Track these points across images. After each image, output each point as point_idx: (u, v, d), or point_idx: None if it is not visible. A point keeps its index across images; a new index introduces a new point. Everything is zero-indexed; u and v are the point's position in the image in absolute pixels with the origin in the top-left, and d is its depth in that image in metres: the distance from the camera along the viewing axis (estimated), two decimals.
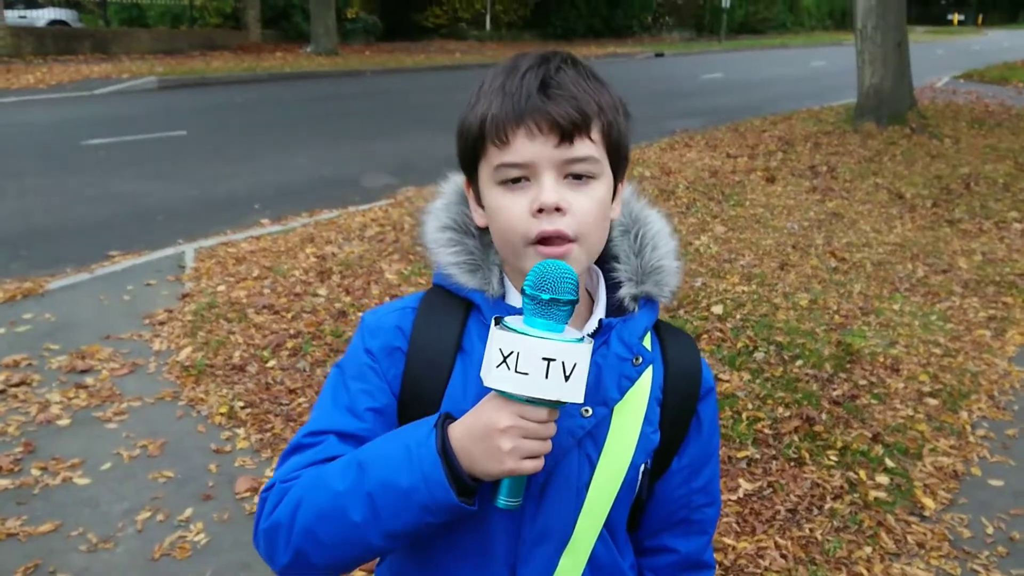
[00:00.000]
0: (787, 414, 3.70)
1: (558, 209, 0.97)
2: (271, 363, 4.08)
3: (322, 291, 4.98)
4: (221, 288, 5.03)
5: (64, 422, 3.54)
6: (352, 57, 20.01)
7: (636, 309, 1.09)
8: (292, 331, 4.41)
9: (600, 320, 1.07)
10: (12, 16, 17.68)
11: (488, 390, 0.92)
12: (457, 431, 0.94)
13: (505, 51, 23.42)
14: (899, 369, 4.23)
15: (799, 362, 4.21)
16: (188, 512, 2.98)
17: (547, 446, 0.93)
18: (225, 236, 6.15)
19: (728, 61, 24.89)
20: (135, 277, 5.24)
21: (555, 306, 0.90)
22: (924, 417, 3.77)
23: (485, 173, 1.01)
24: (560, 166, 0.97)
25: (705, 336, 4.47)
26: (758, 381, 3.98)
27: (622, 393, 1.05)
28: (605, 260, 1.11)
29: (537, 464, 0.93)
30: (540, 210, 0.96)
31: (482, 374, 0.91)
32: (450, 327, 1.06)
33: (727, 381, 3.98)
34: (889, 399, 3.92)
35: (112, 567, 2.71)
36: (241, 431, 3.52)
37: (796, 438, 3.51)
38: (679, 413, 1.12)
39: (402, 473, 0.92)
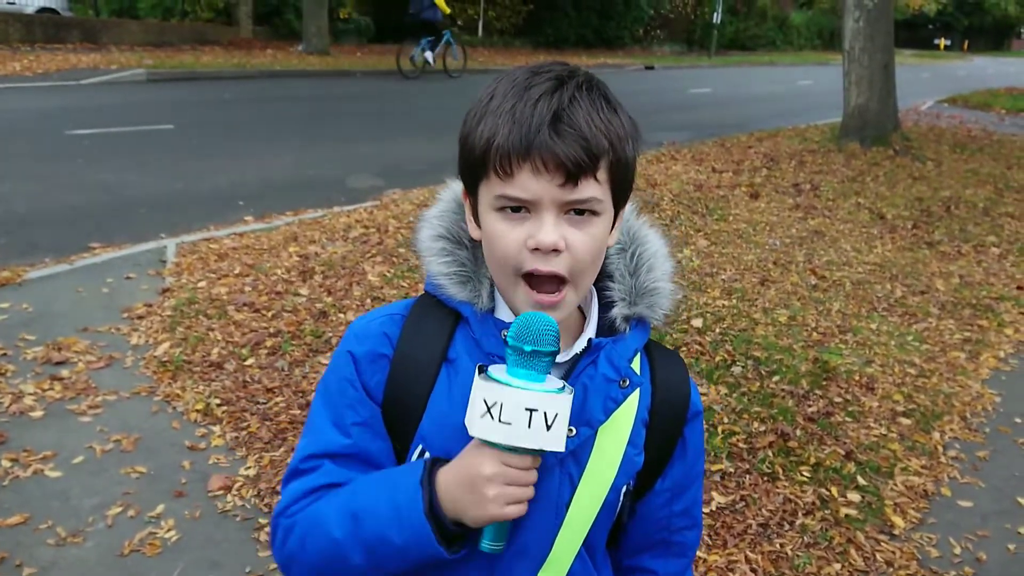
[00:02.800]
0: (762, 429, 3.73)
1: (555, 250, 0.96)
2: (249, 361, 4.06)
3: (304, 291, 4.96)
4: (202, 284, 5.00)
5: (37, 414, 3.51)
6: (343, 57, 19.97)
7: (627, 330, 1.09)
8: (272, 330, 4.40)
9: (589, 340, 1.07)
10: (0, 2, 17.51)
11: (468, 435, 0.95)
12: (446, 478, 0.96)
13: (496, 58, 23.47)
14: (874, 388, 4.28)
15: (776, 377, 4.24)
16: (159, 508, 2.96)
17: (530, 492, 0.95)
18: (208, 232, 6.12)
19: (717, 76, 25.07)
20: (115, 270, 5.20)
21: (537, 357, 0.93)
22: (897, 436, 3.81)
23: (485, 196, 1.00)
24: (562, 205, 0.96)
25: (684, 349, 4.49)
26: (735, 395, 4.01)
27: (607, 415, 1.05)
28: (600, 278, 1.10)
29: (520, 509, 0.95)
30: (536, 248, 0.96)
31: (467, 422, 0.94)
32: (437, 336, 1.06)
33: (704, 394, 4.00)
34: (863, 417, 3.96)
35: (80, 562, 2.69)
36: (216, 428, 3.50)
37: (770, 453, 3.54)
38: (665, 435, 1.12)
39: (394, 532, 0.96)
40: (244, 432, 3.48)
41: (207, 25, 20.88)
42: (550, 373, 0.96)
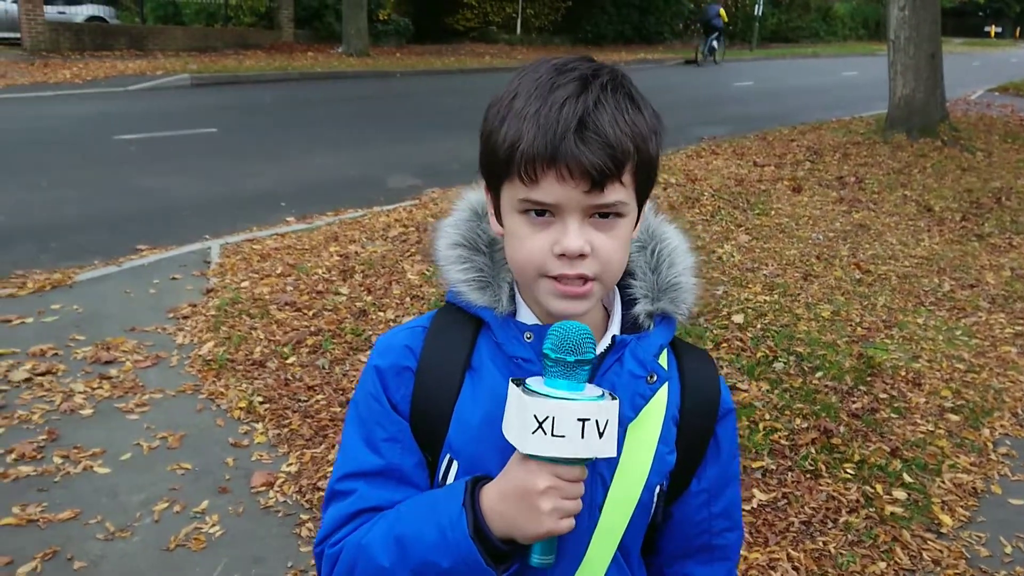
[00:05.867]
0: (804, 425, 3.67)
1: (581, 255, 0.96)
2: (291, 359, 4.12)
3: (344, 290, 5.02)
4: (245, 284, 5.09)
5: (87, 412, 3.60)
6: (383, 58, 20.14)
7: (651, 326, 1.08)
8: (313, 328, 4.45)
9: (613, 337, 1.06)
10: (51, 12, 17.98)
11: (507, 444, 0.94)
12: (491, 496, 0.95)
13: (535, 56, 23.42)
14: (921, 384, 4.18)
15: (819, 373, 4.17)
16: (204, 504, 3.02)
17: (580, 505, 0.94)
18: (251, 233, 6.23)
19: (759, 69, 24.72)
20: (161, 271, 5.32)
21: (579, 366, 0.92)
22: (945, 433, 3.72)
23: (508, 197, 0.99)
24: (587, 209, 0.96)
25: (725, 345, 4.44)
26: (776, 391, 3.96)
27: (636, 411, 1.04)
28: (621, 276, 1.09)
29: (571, 523, 0.94)
30: (562, 254, 0.96)
31: (512, 439, 0.92)
32: (459, 345, 1.06)
33: (745, 391, 3.95)
34: (909, 413, 3.88)
35: (127, 556, 2.75)
36: (259, 426, 3.56)
37: (813, 450, 3.48)
38: (696, 434, 1.11)
39: (441, 556, 0.95)
40: (286, 429, 3.53)
41: (249, 30, 21.22)
42: (591, 380, 0.96)
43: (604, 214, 0.97)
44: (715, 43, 24.99)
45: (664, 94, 17.47)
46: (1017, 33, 58.01)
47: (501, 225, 1.04)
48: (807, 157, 9.78)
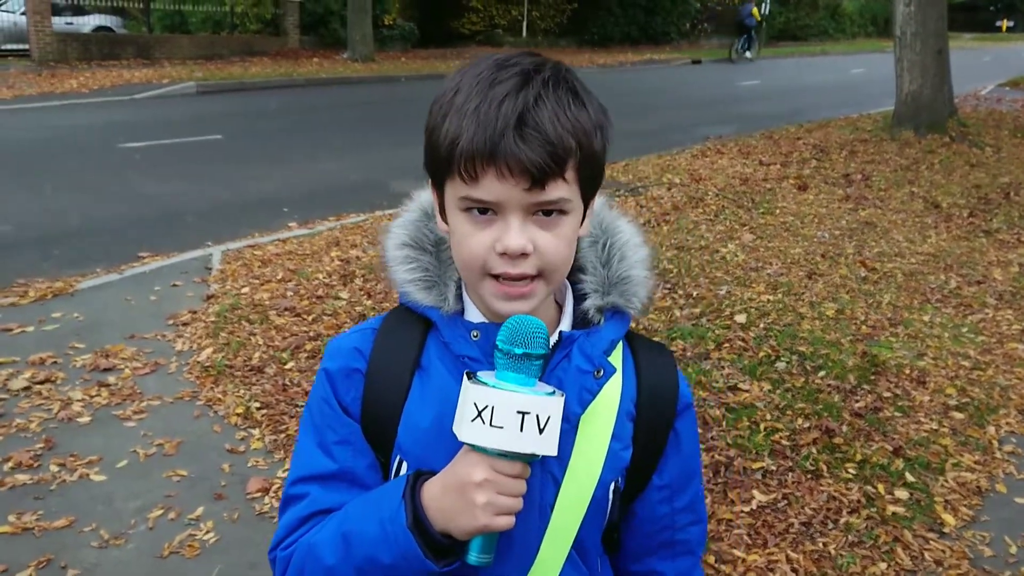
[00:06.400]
0: (806, 425, 3.63)
1: (523, 253, 0.95)
2: (289, 365, 4.11)
3: (344, 294, 5.01)
4: (245, 290, 5.09)
5: (85, 419, 3.60)
6: (387, 63, 20.18)
7: (601, 321, 1.07)
8: (312, 333, 4.44)
9: (560, 332, 1.05)
10: (59, 23, 18.11)
11: (457, 443, 0.93)
12: (432, 490, 0.94)
13: None
14: (925, 382, 4.13)
15: (822, 373, 4.13)
16: (199, 511, 3.01)
17: (519, 503, 0.93)
18: (252, 239, 6.23)
19: (766, 68, 24.62)
20: (163, 278, 5.33)
21: (528, 360, 0.92)
22: (949, 431, 3.67)
23: (451, 195, 0.98)
24: (529, 207, 0.94)
25: (727, 345, 4.41)
26: (778, 391, 3.92)
27: (583, 407, 1.02)
28: (573, 271, 1.08)
29: (509, 521, 0.92)
30: (504, 252, 0.95)
31: (455, 428, 0.92)
32: (408, 345, 1.05)
33: (747, 391, 3.91)
34: (913, 412, 3.83)
35: (121, 563, 2.74)
36: (256, 432, 3.55)
37: (814, 450, 3.44)
38: (654, 429, 1.09)
39: (382, 551, 0.94)
40: (283, 435, 3.52)
41: (255, 37, 21.29)
42: (540, 377, 0.95)
43: (547, 212, 0.96)
44: (749, 41, 26.16)
45: (670, 94, 17.43)
46: None
47: (446, 223, 1.02)
48: (813, 155, 9.72)
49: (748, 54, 26.12)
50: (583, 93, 0.97)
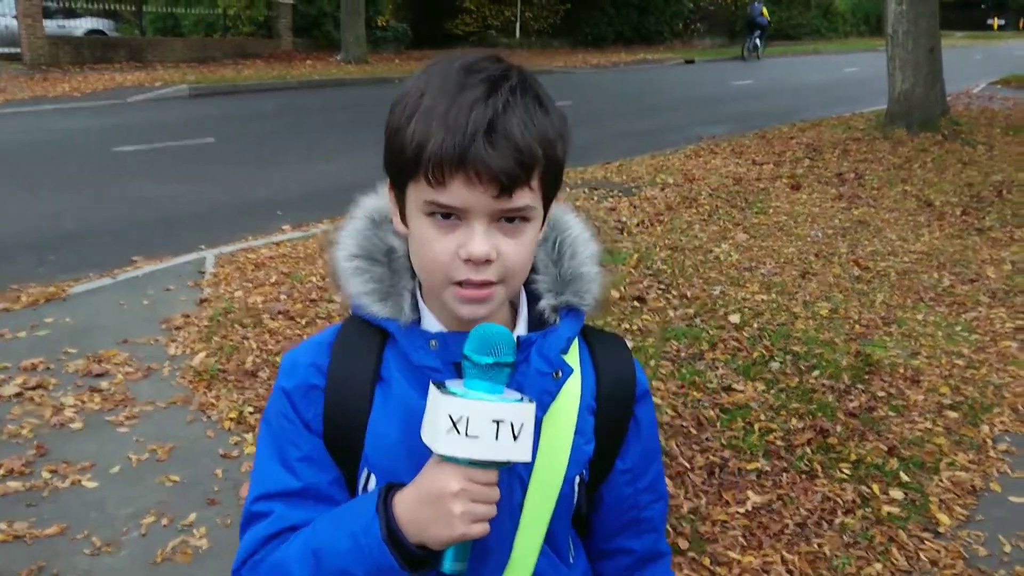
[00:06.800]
0: (801, 425, 3.63)
1: (486, 260, 0.95)
2: None
3: (338, 297, 5.00)
4: (238, 294, 5.07)
5: (77, 425, 3.58)
6: (381, 65, 20.17)
7: (557, 320, 1.08)
8: (305, 337, 4.42)
9: (518, 337, 1.04)
10: (51, 26, 18.05)
11: (424, 450, 0.93)
12: (406, 501, 0.94)
13: (535, 59, 23.42)
14: (919, 381, 4.14)
15: (816, 372, 4.13)
16: (192, 517, 3.00)
17: (493, 510, 0.93)
18: (246, 242, 6.21)
19: (760, 67, 24.67)
20: (156, 282, 5.31)
21: (497, 368, 0.92)
22: (943, 430, 3.68)
23: (414, 198, 0.97)
24: (494, 214, 0.94)
25: (721, 345, 4.41)
26: (772, 392, 3.92)
27: (544, 409, 1.03)
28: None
29: (485, 528, 0.92)
30: (467, 259, 0.94)
31: (428, 440, 0.91)
32: (367, 358, 1.04)
33: (741, 391, 3.92)
34: (907, 411, 3.83)
35: (114, 570, 2.73)
36: (249, 436, 3.53)
37: (809, 450, 3.44)
38: (615, 418, 1.11)
39: (355, 564, 0.93)
40: None
41: (248, 39, 21.26)
42: (507, 384, 0.95)
43: (511, 218, 0.96)
44: (758, 40, 27.13)
45: (664, 94, 17.44)
46: (1020, 25, 57.72)
47: (406, 226, 1.01)
48: (806, 154, 9.74)
49: (757, 53, 27.24)
50: (547, 101, 0.97)
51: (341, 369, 1.03)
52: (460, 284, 0.96)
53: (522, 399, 0.93)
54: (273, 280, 5.30)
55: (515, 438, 0.89)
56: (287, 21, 22.02)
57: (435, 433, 0.89)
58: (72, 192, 7.57)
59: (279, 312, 4.75)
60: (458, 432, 0.88)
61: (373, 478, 1.03)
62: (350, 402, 1.02)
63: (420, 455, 0.94)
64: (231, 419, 3.65)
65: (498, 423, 0.88)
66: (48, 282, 5.20)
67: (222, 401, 3.80)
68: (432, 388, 0.92)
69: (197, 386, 3.95)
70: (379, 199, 1.08)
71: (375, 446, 1.02)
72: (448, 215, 0.94)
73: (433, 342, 1.01)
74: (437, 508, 0.91)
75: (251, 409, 3.72)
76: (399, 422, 1.00)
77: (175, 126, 11.26)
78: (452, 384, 0.94)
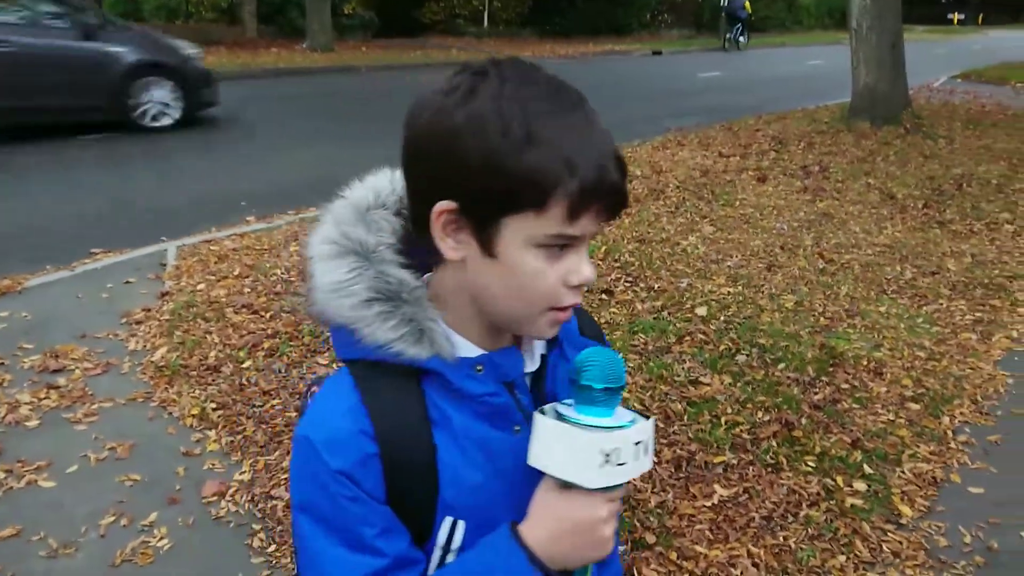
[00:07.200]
0: (766, 418, 3.65)
1: None
2: (246, 364, 4.03)
3: (303, 290, 4.93)
4: (201, 287, 4.98)
5: (33, 423, 3.49)
6: (347, 53, 19.93)
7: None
8: (270, 331, 4.36)
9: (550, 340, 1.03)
10: None
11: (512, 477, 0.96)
12: (539, 539, 0.92)
13: (503, 48, 23.33)
14: (882, 373, 4.19)
15: (781, 365, 4.16)
16: (153, 516, 2.94)
17: None
18: (209, 234, 6.10)
19: (727, 60, 24.80)
20: (115, 275, 5.19)
21: (617, 392, 0.93)
22: (905, 422, 3.72)
23: (520, 231, 0.88)
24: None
25: (688, 338, 4.42)
26: (739, 384, 3.94)
27: None
28: None
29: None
30: (580, 284, 0.91)
31: (574, 477, 0.90)
32: (413, 407, 0.95)
33: (708, 384, 3.93)
34: (871, 403, 3.88)
35: (72, 573, 2.66)
36: (212, 433, 3.47)
37: (774, 443, 3.47)
38: None
39: None
40: (239, 436, 3.45)
41: (211, 25, 20.93)
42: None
43: None
44: (740, 34, 27.81)
45: (631, 85, 17.46)
46: (980, 20, 58.76)
47: (492, 256, 0.90)
48: (772, 147, 9.80)
49: (738, 45, 27.83)
50: None
51: (392, 428, 0.94)
52: (560, 309, 0.93)
53: (634, 418, 0.94)
54: (237, 272, 5.22)
55: (647, 452, 0.93)
56: (251, 7, 21.69)
57: (587, 469, 0.89)
58: (30, 183, 7.38)
59: (243, 305, 4.68)
60: (608, 462, 0.89)
61: (461, 524, 0.97)
62: (414, 457, 0.94)
63: (511, 490, 0.95)
64: (193, 415, 3.58)
65: (639, 444, 0.91)
66: (3, 275, 5.07)
67: (184, 397, 3.73)
68: (554, 423, 0.90)
69: (158, 382, 3.87)
70: (362, 232, 0.97)
71: (456, 491, 0.96)
72: (564, 245, 0.89)
73: (479, 367, 0.96)
74: (589, 536, 0.91)
75: (214, 405, 3.66)
76: (478, 459, 0.96)
77: None
78: (568, 412, 0.93)
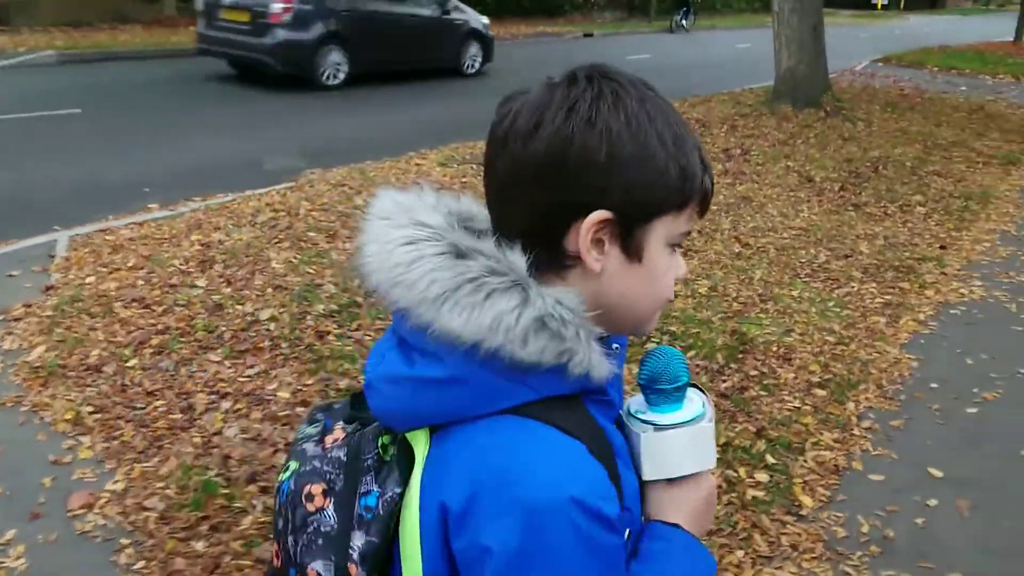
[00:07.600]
0: None
1: None
2: (132, 362, 3.79)
3: (201, 282, 4.68)
4: (90, 279, 4.69)
5: None
6: None
7: None
8: (160, 327, 4.12)
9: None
10: None
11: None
12: (685, 519, 0.98)
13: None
14: (791, 359, 4.17)
15: (691, 353, 4.11)
16: (10, 534, 2.71)
17: None
18: (105, 223, 5.77)
19: (657, 42, 24.88)
20: None
21: (684, 389, 1.00)
22: (811, 409, 3.71)
23: (662, 231, 0.89)
24: None
25: None
26: None
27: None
28: None
29: None
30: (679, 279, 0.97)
31: (703, 466, 0.99)
32: (597, 430, 0.88)
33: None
34: (778, 390, 3.85)
35: None
36: (86, 439, 3.24)
37: None
38: None
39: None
40: (116, 442, 3.22)
41: (128, 3, 20.02)
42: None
43: None
44: (686, 18, 28.50)
45: (561, 67, 17.32)
46: (902, 5, 60.37)
47: (639, 261, 0.89)
48: (696, 130, 9.80)
49: (685, 24, 28.42)
50: None
51: (614, 464, 0.88)
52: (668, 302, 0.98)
53: (692, 390, 1.03)
54: (131, 264, 4.93)
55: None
56: None
57: (705, 456, 0.99)
58: None
59: (133, 299, 4.41)
60: (707, 448, 1.00)
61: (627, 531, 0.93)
62: (626, 486, 0.91)
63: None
64: (66, 420, 3.34)
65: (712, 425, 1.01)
66: None
67: (58, 400, 3.47)
68: (658, 433, 0.97)
69: (32, 384, 3.61)
70: (497, 257, 0.84)
71: (635, 505, 0.96)
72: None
73: (616, 346, 0.96)
74: (713, 506, 1.04)
75: (91, 409, 3.42)
76: (629, 468, 0.96)
77: (38, 96, 10.44)
78: (655, 417, 0.99)
